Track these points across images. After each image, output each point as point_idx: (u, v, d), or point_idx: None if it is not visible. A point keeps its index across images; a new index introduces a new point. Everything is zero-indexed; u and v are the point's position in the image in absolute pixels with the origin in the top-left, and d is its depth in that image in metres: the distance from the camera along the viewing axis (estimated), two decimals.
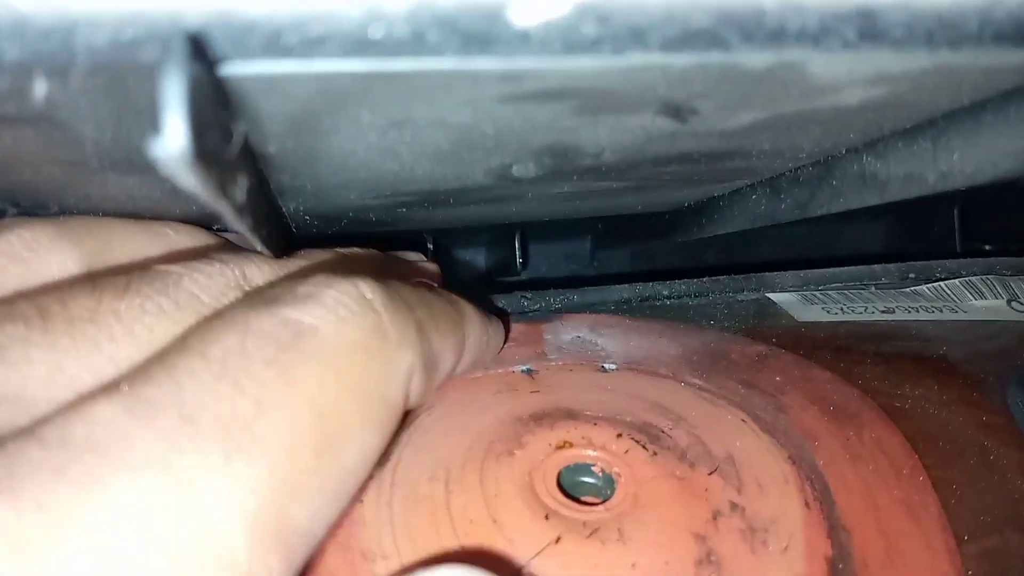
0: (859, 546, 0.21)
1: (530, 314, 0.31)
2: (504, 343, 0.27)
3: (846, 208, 0.23)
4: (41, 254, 0.17)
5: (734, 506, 0.21)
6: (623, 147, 0.19)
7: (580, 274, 0.44)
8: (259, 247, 0.19)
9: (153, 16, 0.09)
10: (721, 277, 0.32)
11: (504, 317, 0.29)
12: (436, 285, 0.23)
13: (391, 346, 0.17)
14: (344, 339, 0.16)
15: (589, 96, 0.14)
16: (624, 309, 0.32)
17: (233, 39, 0.10)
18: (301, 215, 0.26)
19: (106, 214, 0.23)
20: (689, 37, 0.11)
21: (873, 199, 0.22)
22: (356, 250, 0.23)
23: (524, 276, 0.42)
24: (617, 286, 0.32)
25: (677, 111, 0.16)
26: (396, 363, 0.17)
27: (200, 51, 0.10)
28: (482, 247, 0.42)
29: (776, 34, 0.12)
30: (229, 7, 0.09)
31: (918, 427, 0.25)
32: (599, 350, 0.29)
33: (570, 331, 0.30)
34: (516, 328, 0.30)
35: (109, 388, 0.13)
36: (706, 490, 0.21)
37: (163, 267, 0.18)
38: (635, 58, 0.12)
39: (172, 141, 0.09)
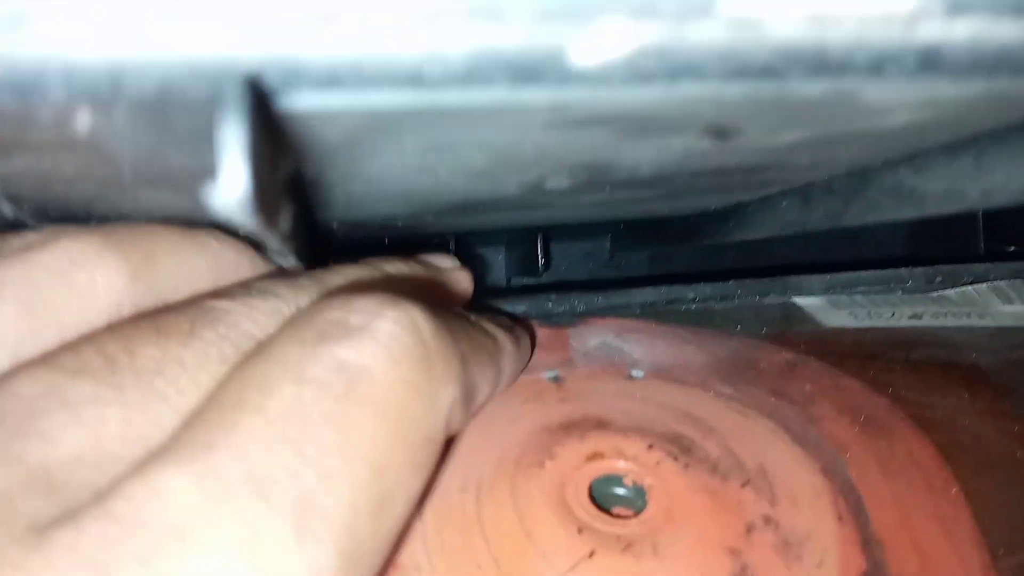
0: (893, 561, 0.21)
1: (555, 318, 0.31)
2: (531, 354, 0.27)
3: (880, 220, 0.23)
4: (88, 270, 0.17)
5: (768, 520, 0.21)
6: (660, 163, 0.19)
7: (600, 275, 0.44)
8: (292, 260, 0.19)
9: (207, 63, 0.09)
10: (746, 280, 0.32)
11: (528, 325, 0.29)
12: (472, 316, 0.23)
13: (436, 380, 0.17)
14: (396, 380, 0.15)
15: (635, 122, 0.14)
16: (649, 312, 0.32)
17: (287, 81, 0.10)
18: (330, 223, 0.26)
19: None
20: (747, 70, 0.11)
21: (910, 212, 0.21)
22: (397, 264, 0.23)
23: (545, 278, 0.42)
24: (642, 288, 0.31)
25: (721, 132, 0.16)
26: (441, 399, 0.17)
27: (254, 91, 0.10)
28: (504, 247, 0.42)
29: (836, 67, 0.11)
30: (285, 51, 0.09)
31: (949, 438, 0.25)
32: (626, 356, 0.29)
33: (596, 336, 0.30)
34: (541, 333, 0.29)
35: (177, 453, 0.13)
36: (739, 503, 0.21)
37: (221, 304, 0.17)
38: (688, 89, 0.12)
39: (231, 189, 0.09)
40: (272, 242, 0.13)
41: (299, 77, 0.10)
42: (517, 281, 0.39)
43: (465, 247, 0.41)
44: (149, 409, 0.14)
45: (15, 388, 0.14)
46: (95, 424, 0.14)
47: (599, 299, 0.32)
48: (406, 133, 0.13)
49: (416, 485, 0.16)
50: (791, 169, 0.22)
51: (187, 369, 0.15)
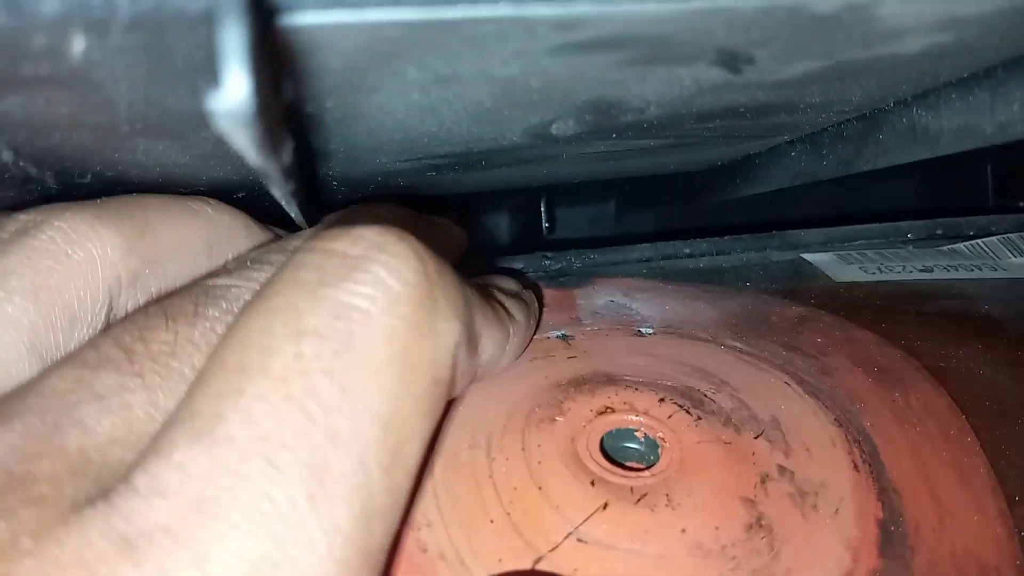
0: (910, 508, 0.20)
1: (562, 280, 0.30)
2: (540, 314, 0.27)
3: (893, 163, 0.22)
4: (85, 247, 0.17)
5: (782, 470, 0.21)
6: (669, 101, 0.18)
7: (605, 236, 0.43)
8: (295, 214, 0.19)
9: None
10: (744, 235, 0.32)
11: (536, 288, 0.28)
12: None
13: (440, 316, 0.16)
14: (397, 321, 0.15)
15: (645, 45, 0.13)
16: (649, 269, 0.32)
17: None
18: (329, 180, 0.25)
19: (133, 181, 0.22)
20: None
21: (924, 153, 0.21)
22: (389, 206, 0.23)
23: (550, 240, 0.41)
24: (639, 245, 0.31)
25: (732, 60, 0.15)
26: (445, 336, 0.16)
27: (255, 3, 0.09)
28: (507, 212, 0.41)
29: None
30: None
31: (964, 388, 0.25)
32: (634, 314, 0.28)
33: (603, 296, 0.30)
34: (548, 294, 0.29)
35: (190, 424, 0.13)
36: (753, 454, 0.21)
37: (220, 281, 0.18)
38: (702, 3, 0.11)
39: (233, 93, 0.09)
40: (274, 172, 0.12)
41: None
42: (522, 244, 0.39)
43: (467, 212, 0.40)
44: (170, 389, 0.15)
45: (47, 387, 0.15)
46: (123, 410, 0.14)
47: (595, 256, 0.31)
48: (409, 60, 0.13)
49: (426, 430, 0.16)
50: (802, 111, 0.21)
51: (198, 347, 0.16)
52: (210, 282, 0.18)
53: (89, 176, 0.21)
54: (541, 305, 0.28)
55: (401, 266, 0.15)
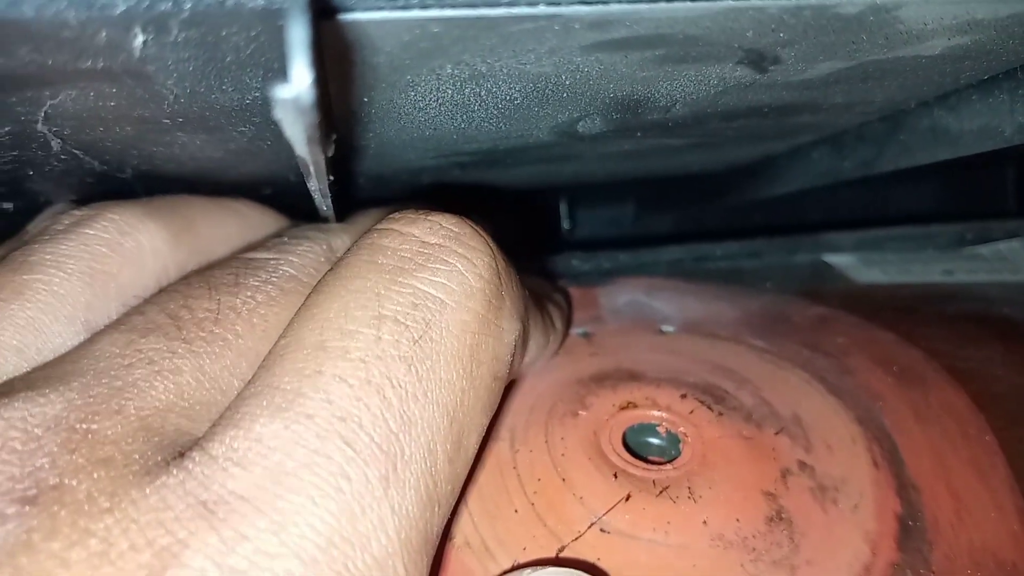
0: (929, 504, 0.21)
1: (583, 278, 0.31)
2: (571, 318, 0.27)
3: (914, 164, 0.23)
4: (135, 237, 0.18)
5: (803, 465, 0.21)
6: (695, 100, 0.19)
7: (626, 236, 0.44)
8: (326, 208, 0.19)
9: None
10: (776, 238, 0.32)
11: (565, 292, 0.29)
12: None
13: (504, 316, 0.17)
14: (470, 316, 0.15)
15: (676, 44, 0.14)
16: (677, 271, 0.32)
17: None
18: (356, 176, 0.26)
19: (168, 176, 0.23)
20: None
21: (945, 154, 0.21)
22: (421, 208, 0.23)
23: (571, 240, 0.42)
24: (669, 246, 0.31)
25: (759, 60, 0.15)
26: (507, 336, 0.17)
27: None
28: (528, 212, 0.42)
29: None
30: None
31: (983, 388, 0.25)
32: (656, 312, 0.29)
33: (625, 294, 0.30)
34: (571, 292, 0.29)
35: (270, 399, 0.14)
36: (774, 450, 0.21)
37: (259, 255, 0.19)
38: (731, 2, 0.12)
39: (296, 83, 0.09)
40: (318, 163, 0.13)
41: None
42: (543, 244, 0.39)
43: (491, 214, 0.41)
44: (216, 355, 0.16)
45: (97, 351, 0.15)
46: (173, 374, 0.15)
47: (625, 257, 0.32)
48: (447, 56, 0.13)
49: (484, 423, 0.16)
50: (825, 111, 0.21)
51: (240, 315, 0.16)
52: (249, 255, 0.19)
53: (128, 170, 0.21)
54: (572, 310, 0.28)
55: (477, 260, 0.16)
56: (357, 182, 0.27)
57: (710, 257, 0.32)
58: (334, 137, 0.13)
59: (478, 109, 0.17)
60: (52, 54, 0.12)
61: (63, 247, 0.17)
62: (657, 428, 0.22)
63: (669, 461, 0.21)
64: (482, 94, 0.16)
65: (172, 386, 0.15)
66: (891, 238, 0.34)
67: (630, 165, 0.29)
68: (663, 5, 0.11)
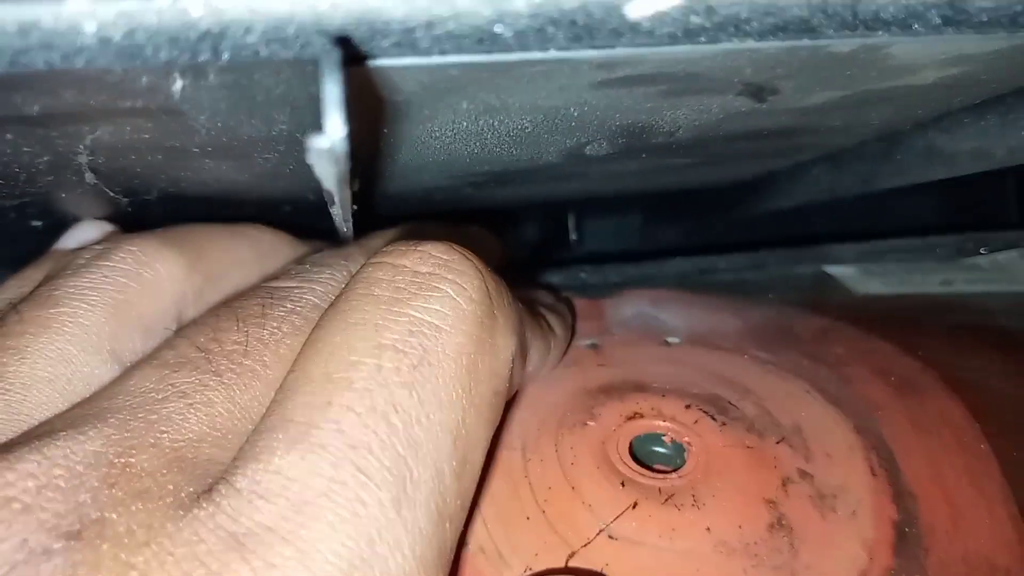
0: (925, 511, 0.21)
1: (590, 290, 0.32)
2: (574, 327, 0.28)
3: (911, 183, 0.24)
4: (153, 267, 0.19)
5: (803, 474, 0.22)
6: (698, 126, 0.19)
7: (632, 249, 0.44)
8: (348, 232, 0.20)
9: (303, 20, 0.10)
10: (779, 249, 0.33)
11: (568, 301, 0.30)
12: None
13: (499, 333, 0.17)
14: (466, 337, 0.16)
15: (678, 80, 0.15)
16: (683, 283, 0.33)
17: (370, 39, 0.11)
18: (372, 195, 0.27)
19: (193, 197, 0.24)
20: (784, 27, 0.12)
21: (940, 173, 0.22)
22: (434, 227, 0.24)
23: (578, 253, 0.42)
24: (675, 259, 0.32)
25: (758, 91, 0.16)
26: (504, 351, 0.18)
27: (345, 50, 0.11)
28: (537, 224, 0.43)
29: (867, 22, 0.12)
30: (370, 8, 0.10)
31: (980, 398, 0.26)
32: (661, 324, 0.29)
33: (631, 306, 0.31)
34: (578, 304, 0.30)
35: (284, 432, 0.14)
36: (775, 458, 0.22)
37: (283, 284, 0.19)
38: (730, 45, 0.12)
39: (332, 136, 0.10)
40: (346, 198, 0.14)
41: (380, 35, 0.10)
42: (551, 254, 0.40)
43: (500, 225, 0.42)
44: (246, 386, 0.16)
45: (132, 387, 0.16)
46: (205, 406, 0.16)
47: (632, 269, 0.33)
48: (464, 95, 0.14)
49: (487, 437, 0.17)
50: (823, 133, 0.22)
51: (268, 345, 0.17)
52: (274, 284, 0.20)
53: (155, 193, 0.22)
54: (575, 317, 0.29)
55: (467, 284, 0.17)
56: (372, 200, 0.28)
57: (715, 270, 0.33)
58: (359, 171, 0.14)
59: (491, 137, 0.18)
60: (95, 95, 0.13)
61: (85, 280, 0.18)
62: (663, 438, 0.23)
63: (674, 470, 0.22)
64: (495, 124, 0.17)
65: (205, 417, 0.15)
66: (894, 249, 0.35)
67: (636, 182, 0.30)
68: (665, 48, 0.12)
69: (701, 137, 0.21)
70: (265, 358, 0.17)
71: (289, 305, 0.18)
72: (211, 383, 0.16)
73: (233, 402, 0.16)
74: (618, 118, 0.18)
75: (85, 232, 0.24)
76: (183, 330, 0.18)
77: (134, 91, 0.13)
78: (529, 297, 0.26)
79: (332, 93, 0.10)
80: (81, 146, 0.16)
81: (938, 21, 0.13)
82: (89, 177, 0.19)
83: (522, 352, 0.20)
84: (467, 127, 0.17)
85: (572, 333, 0.28)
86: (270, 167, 0.20)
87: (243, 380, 0.16)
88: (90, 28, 0.10)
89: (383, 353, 0.15)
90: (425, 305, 0.16)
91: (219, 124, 0.15)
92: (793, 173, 0.30)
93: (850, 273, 0.34)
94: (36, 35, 0.10)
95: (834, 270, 0.34)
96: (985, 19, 0.13)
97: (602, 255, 0.39)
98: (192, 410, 0.15)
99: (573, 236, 0.40)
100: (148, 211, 0.24)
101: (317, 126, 0.11)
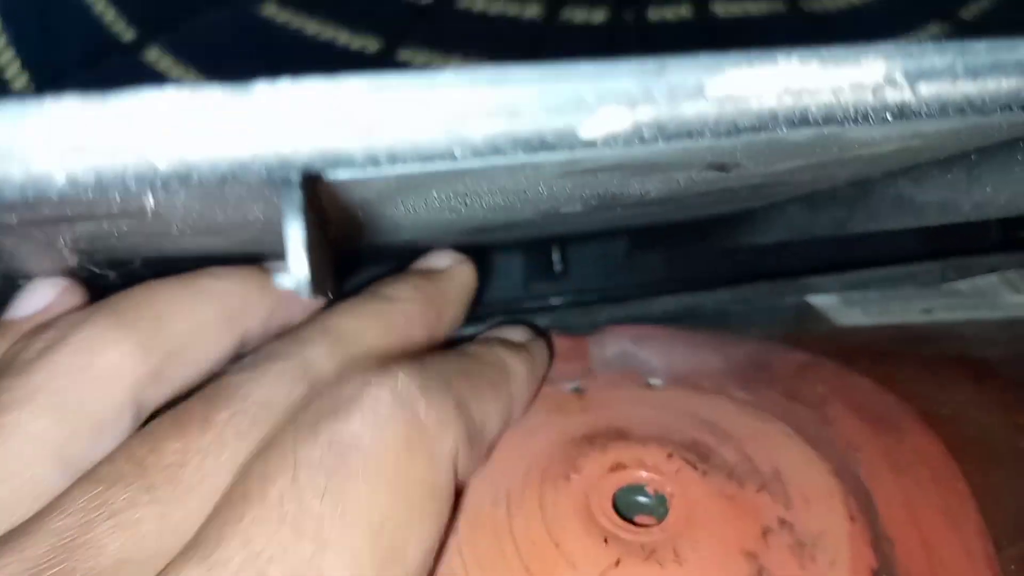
0: (902, 556, 0.22)
1: (573, 329, 0.32)
2: (549, 364, 0.28)
3: (882, 228, 0.24)
4: (106, 355, 0.19)
5: (783, 522, 0.22)
6: (668, 190, 0.20)
7: (617, 275, 0.45)
8: (317, 299, 0.21)
9: (269, 163, 0.11)
10: (762, 284, 0.33)
11: (544, 334, 0.30)
12: (473, 346, 0.24)
13: (430, 434, 0.18)
14: (386, 444, 0.17)
15: (641, 167, 0.15)
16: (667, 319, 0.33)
17: (333, 169, 0.11)
18: (350, 247, 0.27)
19: (174, 258, 0.24)
20: (737, 130, 0.12)
21: (910, 222, 0.22)
22: (398, 287, 0.24)
23: (563, 280, 0.43)
24: (661, 298, 0.33)
25: (722, 167, 0.17)
26: (439, 450, 0.18)
27: (308, 180, 0.11)
28: (521, 252, 0.43)
29: (818, 122, 0.12)
30: (331, 147, 0.11)
31: (957, 432, 0.26)
32: (643, 364, 0.30)
33: (614, 344, 0.31)
34: (561, 343, 0.31)
35: (195, 551, 0.15)
36: (755, 507, 0.23)
37: (231, 380, 0.19)
38: (686, 144, 0.13)
39: (297, 275, 0.11)
40: (321, 301, 0.14)
41: (343, 164, 0.11)
42: (535, 285, 0.41)
43: (482, 255, 0.42)
44: (179, 501, 0.16)
45: (66, 505, 0.16)
46: (133, 526, 0.15)
47: (619, 311, 0.33)
48: (432, 188, 0.15)
49: (428, 532, 0.18)
50: (795, 184, 0.23)
51: (208, 454, 0.17)
52: (223, 380, 0.19)
53: (137, 261, 0.23)
54: (552, 354, 0.29)
55: (385, 397, 0.17)
56: (349, 250, 0.28)
57: (704, 308, 0.34)
58: (333, 275, 0.14)
59: (465, 211, 0.19)
60: (71, 209, 0.13)
61: (32, 379, 0.18)
62: (646, 488, 0.24)
63: (658, 520, 0.22)
64: (468, 203, 0.17)
65: (130, 540, 0.15)
66: (876, 279, 0.35)
67: (616, 223, 0.31)
68: (622, 151, 0.13)
69: (672, 196, 0.21)
70: (204, 467, 0.17)
71: (234, 406, 0.18)
72: (142, 500, 0.16)
73: (164, 519, 0.16)
74: (587, 192, 0.18)
75: (39, 296, 0.22)
76: (127, 440, 0.18)
77: (108, 205, 0.13)
78: (488, 337, 0.26)
79: (294, 235, 0.10)
80: (60, 238, 0.17)
81: (887, 118, 0.13)
82: (71, 256, 0.19)
83: (472, 435, 0.20)
84: (439, 206, 0.17)
85: (547, 369, 0.28)
86: (249, 237, 0.20)
87: (176, 494, 0.16)
88: (60, 180, 0.10)
89: (299, 467, 0.16)
90: (344, 419, 0.17)
91: (195, 217, 0.16)
92: (770, 211, 0.30)
93: (831, 302, 0.34)
94: (8, 189, 0.10)
95: (816, 300, 0.34)
96: (933, 115, 0.13)
97: (589, 290, 0.39)
98: (118, 531, 0.15)
99: (558, 267, 0.40)
100: (132, 278, 0.24)
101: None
